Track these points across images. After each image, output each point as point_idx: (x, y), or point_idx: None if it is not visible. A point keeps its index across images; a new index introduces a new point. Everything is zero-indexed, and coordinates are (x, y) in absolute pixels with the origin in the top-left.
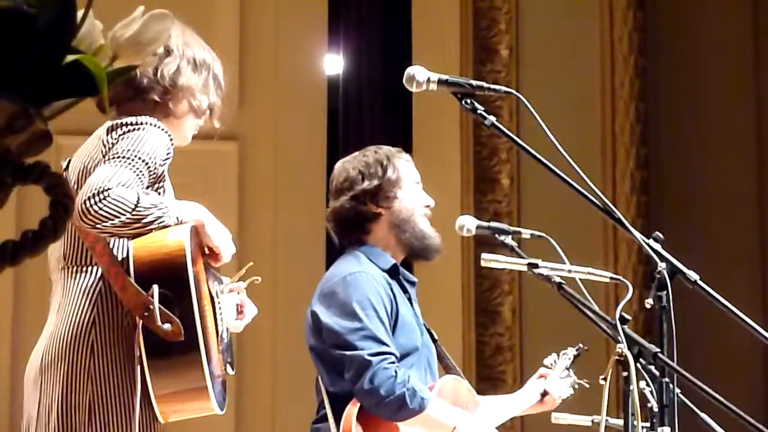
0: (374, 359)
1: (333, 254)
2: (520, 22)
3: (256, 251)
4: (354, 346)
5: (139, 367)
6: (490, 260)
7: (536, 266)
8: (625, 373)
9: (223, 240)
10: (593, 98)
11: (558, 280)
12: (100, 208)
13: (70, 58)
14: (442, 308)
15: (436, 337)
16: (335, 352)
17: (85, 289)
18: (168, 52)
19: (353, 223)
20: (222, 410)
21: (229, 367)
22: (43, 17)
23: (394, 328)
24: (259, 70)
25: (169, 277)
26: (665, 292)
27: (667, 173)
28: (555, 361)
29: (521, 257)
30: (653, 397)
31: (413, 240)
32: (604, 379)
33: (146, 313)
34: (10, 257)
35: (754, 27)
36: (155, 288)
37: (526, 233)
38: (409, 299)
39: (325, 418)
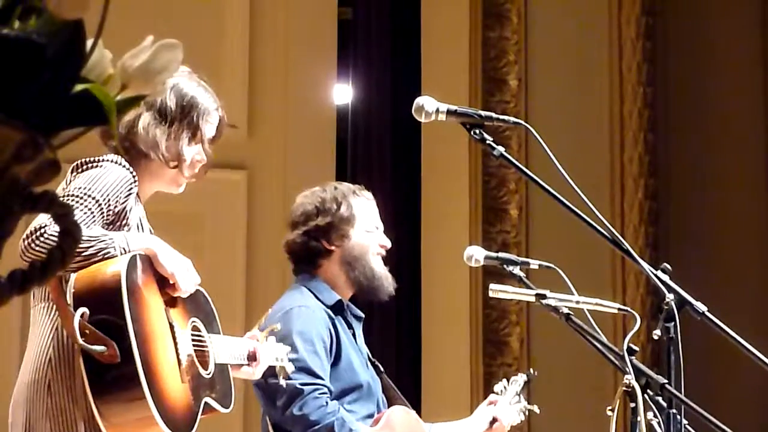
0: (306, 388)
1: None
2: (528, 53)
3: (265, 280)
4: (288, 377)
5: (86, 396)
6: (498, 291)
7: (544, 297)
8: (632, 404)
9: (178, 268)
10: (602, 129)
11: (566, 310)
12: (37, 246)
13: (79, 87)
14: (450, 338)
15: (381, 369)
16: (270, 381)
17: (43, 327)
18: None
19: (304, 257)
20: (174, 430)
21: (216, 404)
22: (53, 46)
23: (335, 363)
24: (268, 100)
25: (105, 303)
26: (673, 323)
27: (676, 204)
28: (505, 388)
29: (529, 288)
30: (661, 428)
31: (362, 279)
32: (612, 410)
33: (82, 338)
34: (19, 286)
35: (764, 56)
36: (80, 310)
37: (534, 264)
38: (354, 335)
39: None
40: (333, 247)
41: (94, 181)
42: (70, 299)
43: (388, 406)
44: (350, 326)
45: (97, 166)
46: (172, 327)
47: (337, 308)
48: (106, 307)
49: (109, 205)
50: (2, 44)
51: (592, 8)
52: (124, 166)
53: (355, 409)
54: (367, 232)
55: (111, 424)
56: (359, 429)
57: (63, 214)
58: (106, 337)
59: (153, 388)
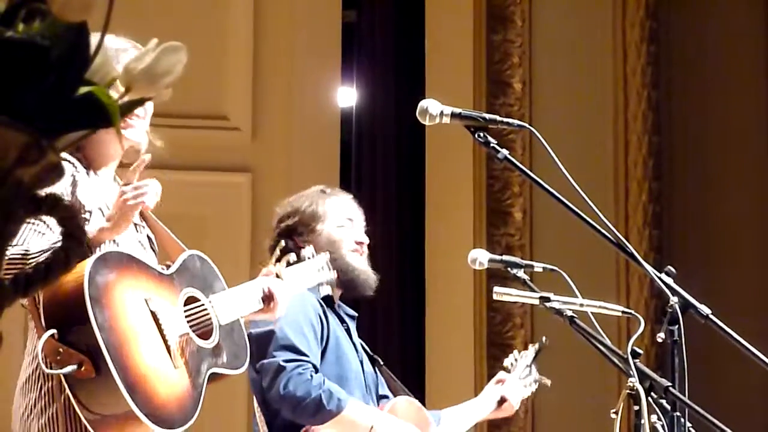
0: (288, 365)
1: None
2: (533, 56)
3: None
4: (270, 355)
5: (64, 399)
6: (502, 293)
7: (548, 300)
8: (636, 407)
9: (123, 207)
10: (606, 132)
11: (570, 313)
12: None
13: (82, 89)
14: (454, 341)
15: (380, 362)
16: (256, 364)
17: (29, 344)
18: None
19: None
20: (172, 429)
21: (225, 369)
22: (57, 49)
23: (325, 350)
24: (272, 103)
25: (72, 315)
26: (677, 326)
27: (680, 207)
28: (514, 362)
29: (533, 291)
30: (664, 431)
31: (339, 272)
32: (616, 412)
33: (58, 357)
34: (23, 288)
35: (767, 59)
36: (47, 333)
37: (538, 267)
38: (347, 331)
39: None
40: (303, 245)
41: None
42: (41, 315)
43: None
44: (343, 321)
45: None
46: (154, 316)
47: (328, 302)
48: (73, 319)
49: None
50: (6, 47)
51: (596, 12)
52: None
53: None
54: (338, 227)
55: (93, 420)
56: (348, 398)
57: (67, 216)
58: (79, 354)
59: (136, 392)
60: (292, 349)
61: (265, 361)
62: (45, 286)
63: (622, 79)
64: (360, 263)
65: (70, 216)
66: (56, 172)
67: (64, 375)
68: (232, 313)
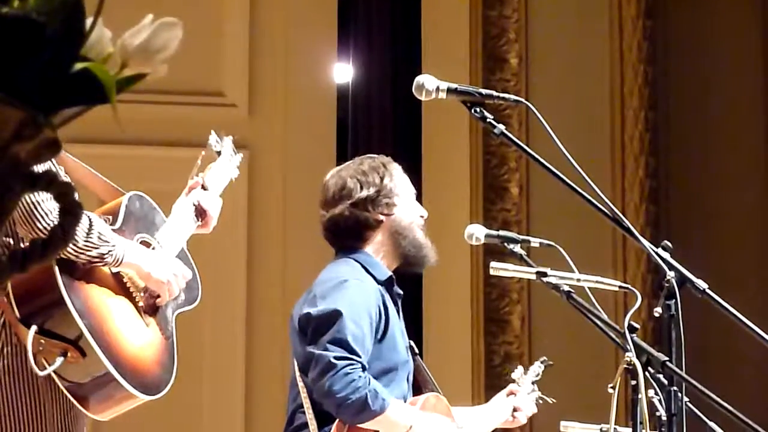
0: (339, 363)
1: None
2: (529, 31)
3: (266, 258)
4: (324, 347)
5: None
6: (499, 269)
7: (545, 275)
8: (633, 382)
9: (166, 285)
10: (602, 107)
11: (567, 288)
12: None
13: (78, 65)
14: (451, 317)
15: (416, 351)
16: (307, 348)
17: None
18: None
19: (352, 230)
20: (161, 392)
21: (184, 308)
22: (52, 25)
23: (381, 340)
24: (268, 79)
25: (47, 301)
26: (674, 300)
27: (676, 182)
28: (522, 375)
29: (530, 266)
30: (662, 405)
31: (411, 248)
32: (613, 387)
33: (40, 348)
34: (20, 265)
35: (764, 37)
36: (33, 328)
37: (535, 242)
38: (398, 312)
39: (301, 428)
40: (381, 217)
41: None
42: (13, 304)
43: (420, 389)
44: (396, 303)
45: None
46: (119, 278)
47: (388, 284)
48: (50, 308)
49: None
50: (1, 23)
51: None
52: None
53: (390, 389)
54: (409, 200)
55: (94, 410)
56: (392, 401)
57: (64, 192)
58: (61, 343)
59: (124, 369)
60: (346, 345)
61: (316, 351)
62: (42, 262)
63: (619, 55)
64: (426, 239)
65: (66, 192)
66: (53, 148)
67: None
68: (177, 245)
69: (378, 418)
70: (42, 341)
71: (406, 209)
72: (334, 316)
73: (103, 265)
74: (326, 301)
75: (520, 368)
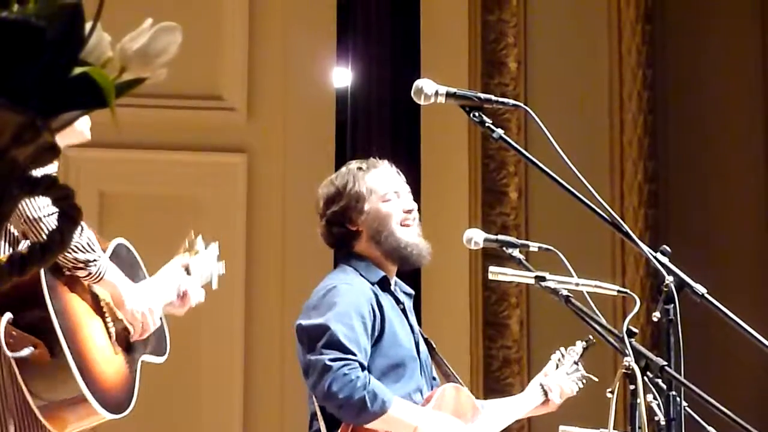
0: (335, 364)
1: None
2: (528, 36)
3: (264, 262)
4: (319, 352)
5: (13, 380)
6: (497, 273)
7: (544, 279)
8: (632, 387)
9: (139, 318)
10: (601, 111)
11: (565, 293)
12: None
13: (78, 70)
14: (450, 321)
15: (434, 345)
16: (306, 357)
17: None
18: None
19: (338, 244)
20: (119, 413)
21: (151, 357)
22: (52, 29)
23: (379, 339)
24: (267, 83)
25: (27, 299)
26: (672, 305)
27: (675, 187)
28: (561, 357)
29: (529, 270)
30: (660, 410)
31: (391, 250)
32: (612, 392)
33: (11, 340)
34: (18, 269)
35: (763, 41)
36: (6, 315)
37: (533, 246)
38: (404, 311)
39: None
40: (357, 227)
41: None
42: None
43: (441, 383)
44: (399, 301)
45: None
46: (97, 303)
47: (383, 284)
48: (28, 304)
49: None
50: (1, 27)
51: None
52: None
53: (400, 385)
54: (383, 202)
55: (50, 416)
56: (393, 400)
57: (63, 197)
58: (34, 338)
59: (88, 378)
60: (340, 347)
61: (312, 357)
62: (41, 266)
63: (618, 58)
64: (410, 236)
65: (64, 196)
66: (51, 152)
67: (17, 362)
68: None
69: (381, 418)
70: (14, 333)
71: (379, 211)
72: (324, 324)
73: (85, 275)
74: (316, 310)
75: (560, 350)
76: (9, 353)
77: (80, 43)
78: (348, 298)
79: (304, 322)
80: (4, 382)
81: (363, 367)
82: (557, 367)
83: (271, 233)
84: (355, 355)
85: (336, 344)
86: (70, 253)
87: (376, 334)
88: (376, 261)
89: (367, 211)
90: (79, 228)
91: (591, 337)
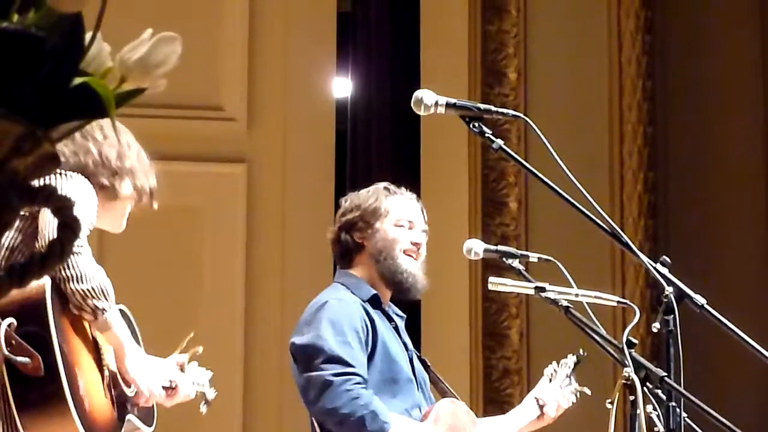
0: (336, 379)
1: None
2: (528, 46)
3: (264, 273)
4: (318, 368)
5: (5, 402)
6: (497, 284)
7: (543, 290)
8: (632, 397)
9: (140, 381)
10: (601, 122)
11: (565, 303)
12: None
13: (78, 80)
14: (450, 331)
15: (429, 363)
16: (303, 375)
17: None
18: (105, 136)
19: (341, 252)
20: None
21: (138, 421)
22: (52, 39)
23: (372, 354)
24: (267, 93)
25: (30, 314)
26: (672, 316)
27: (675, 197)
28: (555, 371)
29: (529, 281)
30: (660, 421)
31: (386, 273)
32: (611, 402)
33: (9, 348)
34: (18, 279)
35: (762, 51)
36: (8, 320)
37: (533, 257)
38: (396, 329)
39: None
40: (362, 241)
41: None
42: None
43: (437, 401)
44: (391, 320)
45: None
46: (96, 342)
47: (374, 302)
48: (30, 318)
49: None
50: (1, 38)
51: (591, 2)
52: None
53: (397, 401)
54: (395, 226)
55: (29, 427)
56: (392, 422)
57: (62, 207)
58: (31, 350)
59: (77, 403)
60: (339, 361)
61: (312, 374)
62: (40, 276)
63: (617, 69)
64: (410, 266)
65: (65, 207)
66: (51, 163)
67: (8, 370)
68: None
69: None
70: (13, 341)
71: (387, 234)
72: (320, 340)
73: (90, 319)
74: (309, 327)
75: (552, 365)
76: (7, 353)
77: (80, 53)
78: (340, 313)
79: (298, 340)
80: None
81: (364, 380)
82: (550, 380)
83: (270, 243)
84: (354, 367)
85: (335, 359)
86: (86, 297)
87: (369, 348)
88: (370, 281)
89: (377, 228)
90: (101, 273)
91: (582, 350)
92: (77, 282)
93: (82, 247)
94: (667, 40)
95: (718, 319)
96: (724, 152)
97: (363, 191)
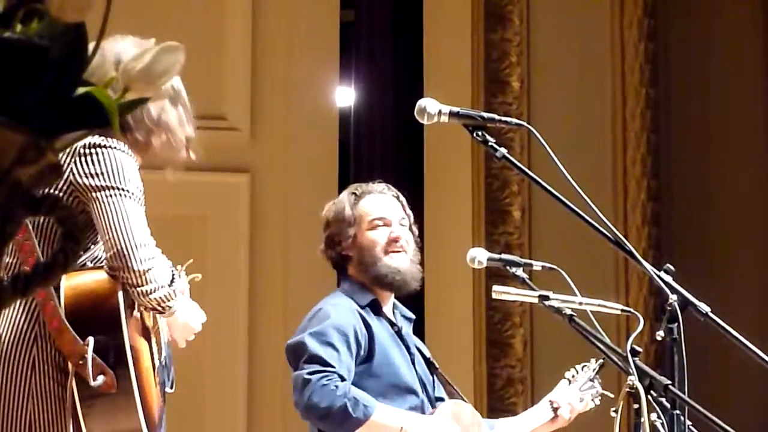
0: (313, 377)
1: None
2: (531, 55)
3: (267, 283)
4: (301, 367)
5: (71, 408)
6: (501, 292)
7: (547, 298)
8: (636, 406)
9: (186, 330)
10: (604, 130)
11: (569, 312)
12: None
13: (81, 90)
14: (453, 340)
15: (436, 365)
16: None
17: (25, 303)
18: None
19: (335, 266)
20: None
21: (167, 388)
22: (55, 49)
23: (369, 360)
24: (270, 103)
25: (103, 324)
26: (676, 324)
27: (679, 205)
28: (575, 374)
29: (532, 289)
30: (664, 429)
31: (375, 278)
32: (615, 411)
33: (81, 362)
34: (22, 288)
35: (766, 59)
36: (90, 340)
37: (537, 265)
38: (399, 333)
39: None
40: (347, 252)
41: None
42: (62, 311)
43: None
44: (393, 324)
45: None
46: (148, 331)
47: (374, 307)
48: (103, 328)
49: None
50: (4, 47)
51: (594, 10)
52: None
53: (396, 405)
54: (369, 230)
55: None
56: (376, 405)
57: (66, 217)
58: (105, 365)
59: (148, 418)
60: (319, 360)
61: (294, 373)
62: (44, 286)
63: (620, 78)
64: (397, 263)
65: (68, 216)
66: (54, 173)
67: (79, 386)
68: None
69: (366, 424)
70: (86, 356)
71: (364, 238)
72: (303, 341)
73: (160, 313)
74: (300, 329)
75: (575, 367)
76: (92, 382)
77: (83, 63)
78: (331, 319)
79: (288, 342)
80: (64, 408)
81: (342, 378)
82: (569, 383)
83: (274, 253)
84: (334, 367)
85: (315, 358)
86: (159, 303)
87: (364, 354)
88: (366, 286)
89: (354, 237)
90: (167, 270)
91: (603, 358)
92: (154, 293)
93: (154, 259)
94: (669, 48)
95: (723, 327)
96: (727, 160)
97: (333, 202)
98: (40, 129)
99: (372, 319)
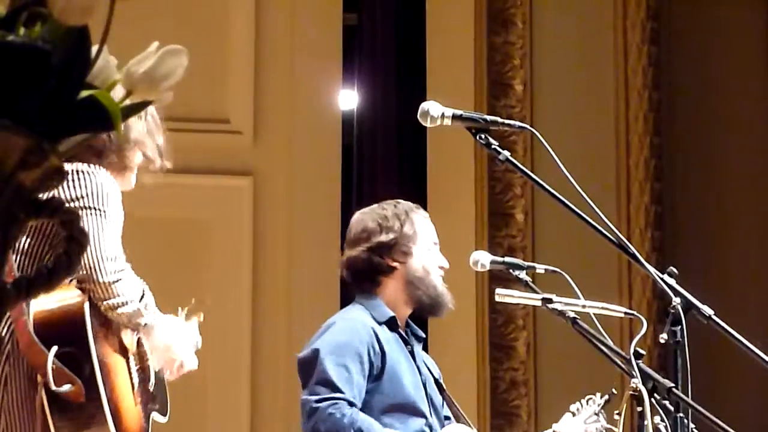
0: (321, 405)
1: (346, 288)
2: (534, 57)
3: (270, 286)
4: (309, 390)
5: (41, 420)
6: (504, 295)
7: (550, 301)
8: (639, 408)
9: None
10: (607, 133)
11: (572, 315)
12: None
13: (84, 93)
14: (457, 343)
15: (444, 387)
16: (302, 394)
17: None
18: None
19: (367, 274)
20: None
21: (157, 415)
22: (58, 53)
23: (379, 377)
24: (273, 106)
25: (69, 335)
26: (679, 327)
27: (682, 208)
28: (581, 407)
29: (535, 292)
30: None
31: (425, 297)
32: (619, 414)
33: (53, 373)
34: (25, 292)
35: None
36: (54, 349)
37: (540, 268)
38: (411, 353)
39: None
40: (396, 264)
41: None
42: (30, 326)
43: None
44: (407, 343)
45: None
46: (126, 351)
47: (391, 325)
48: (70, 338)
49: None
50: (8, 51)
51: (597, 13)
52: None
53: (403, 426)
54: (428, 250)
55: None
56: (373, 427)
57: (69, 220)
58: (73, 375)
59: (116, 422)
60: (329, 385)
61: (303, 397)
62: (47, 290)
63: (623, 80)
64: (443, 286)
65: (71, 220)
66: (58, 176)
67: (48, 396)
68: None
69: None
70: (54, 366)
71: (423, 258)
72: (314, 357)
73: (132, 329)
74: (311, 344)
75: (580, 401)
76: (54, 387)
77: (86, 66)
78: (345, 334)
79: (300, 354)
80: (34, 416)
81: (351, 404)
82: (574, 415)
83: (277, 256)
84: (344, 393)
85: (326, 382)
86: (129, 318)
87: (376, 372)
88: (392, 302)
89: (414, 253)
90: (139, 287)
91: (614, 390)
92: (121, 307)
93: (122, 271)
94: (672, 51)
95: (726, 330)
96: (730, 163)
97: (389, 210)
98: (43, 132)
99: (386, 336)
